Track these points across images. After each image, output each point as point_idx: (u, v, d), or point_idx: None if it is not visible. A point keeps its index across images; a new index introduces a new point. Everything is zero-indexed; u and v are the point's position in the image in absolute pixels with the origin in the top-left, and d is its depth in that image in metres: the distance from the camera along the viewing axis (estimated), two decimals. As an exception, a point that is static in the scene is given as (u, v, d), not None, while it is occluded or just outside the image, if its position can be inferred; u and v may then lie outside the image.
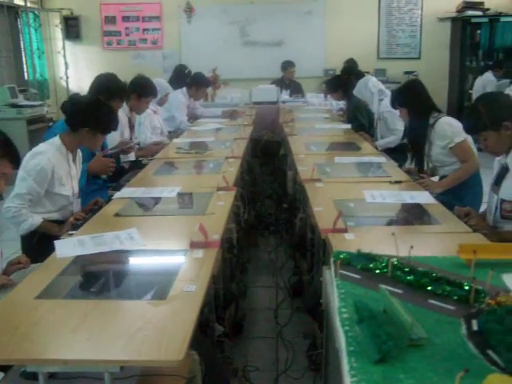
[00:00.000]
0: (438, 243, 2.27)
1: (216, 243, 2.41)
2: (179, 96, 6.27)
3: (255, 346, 3.49)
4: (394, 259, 1.27)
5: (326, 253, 2.46)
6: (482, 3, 10.48)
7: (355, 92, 5.63)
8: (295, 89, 8.79)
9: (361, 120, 5.77)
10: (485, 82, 9.19)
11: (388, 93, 5.13)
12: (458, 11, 10.58)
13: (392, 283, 1.18)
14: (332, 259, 1.41)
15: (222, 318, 2.74)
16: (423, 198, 3.01)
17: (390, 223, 2.75)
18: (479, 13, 10.45)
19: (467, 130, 3.01)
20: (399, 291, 1.15)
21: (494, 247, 1.19)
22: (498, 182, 2.80)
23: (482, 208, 3.30)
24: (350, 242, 2.32)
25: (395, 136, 4.99)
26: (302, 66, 9.68)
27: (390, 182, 3.37)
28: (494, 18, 10.44)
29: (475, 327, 1.05)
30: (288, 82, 8.91)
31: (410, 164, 4.12)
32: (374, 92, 5.19)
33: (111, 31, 10.69)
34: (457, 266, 1.28)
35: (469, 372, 0.97)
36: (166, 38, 10.70)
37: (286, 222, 5.02)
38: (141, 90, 4.65)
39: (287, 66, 8.93)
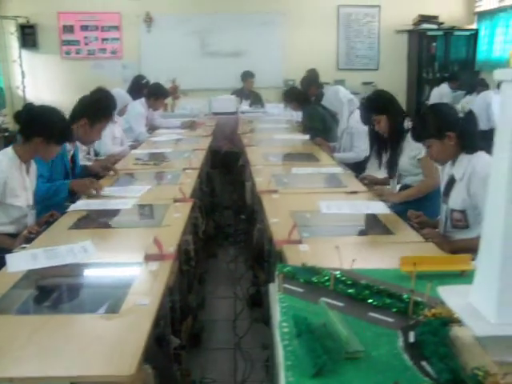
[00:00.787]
0: (391, 253, 2.31)
1: (171, 256, 2.40)
2: (138, 107, 6.24)
3: (213, 357, 3.48)
4: (337, 272, 1.29)
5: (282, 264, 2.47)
6: (436, 17, 10.73)
7: (324, 102, 5.63)
8: (255, 99, 8.83)
9: (316, 127, 5.79)
10: (441, 93, 9.37)
11: (357, 103, 5.18)
12: (414, 24, 10.80)
13: (334, 296, 1.19)
14: (276, 273, 1.42)
15: (178, 331, 2.73)
16: (378, 208, 3.06)
17: (344, 234, 2.79)
18: (434, 26, 10.70)
19: (414, 136, 3.08)
20: (340, 304, 1.16)
21: (434, 259, 1.22)
22: (446, 192, 2.88)
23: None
24: (304, 254, 2.34)
25: (355, 154, 5.06)
26: (262, 77, 9.72)
27: (346, 193, 3.42)
28: (449, 32, 10.71)
29: (412, 339, 1.08)
30: (248, 92, 8.95)
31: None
32: (345, 102, 5.23)
33: (69, 40, 10.55)
34: (400, 278, 1.30)
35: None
36: (125, 48, 10.62)
37: (244, 233, 5.03)
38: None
39: (247, 76, 8.97)
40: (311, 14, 10.63)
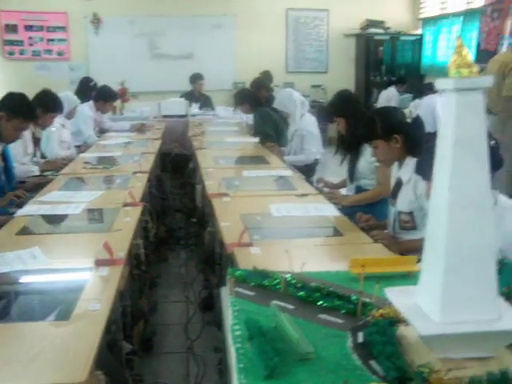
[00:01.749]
0: (341, 255, 2.36)
1: (121, 261, 2.38)
2: (86, 109, 6.16)
3: (166, 361, 3.47)
4: (288, 275, 1.31)
5: (233, 267, 2.49)
6: (383, 22, 10.97)
7: (276, 104, 5.67)
8: (205, 102, 8.80)
9: (267, 131, 5.83)
10: (388, 96, 9.55)
11: (308, 105, 5.22)
12: (361, 28, 11.01)
13: (285, 299, 1.21)
14: (228, 277, 1.44)
15: (130, 336, 2.71)
16: (328, 210, 3.11)
17: (295, 236, 2.82)
18: (381, 31, 10.93)
19: (362, 137, 3.15)
20: (291, 307, 1.18)
21: (382, 261, 1.26)
22: (394, 194, 2.95)
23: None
24: (255, 257, 2.37)
25: (305, 156, 5.12)
26: (212, 79, 9.72)
27: (297, 195, 3.46)
28: (395, 37, 10.95)
29: (361, 339, 1.11)
30: (198, 94, 8.91)
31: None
32: (298, 104, 5.27)
33: (12, 40, 10.28)
34: (349, 279, 1.34)
35: (350, 382, 1.02)
36: (72, 49, 10.43)
37: (195, 236, 5.02)
38: (46, 106, 4.53)
39: (196, 78, 8.93)
40: (261, 18, 10.70)
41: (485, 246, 1.08)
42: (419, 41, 10.99)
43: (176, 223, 5.86)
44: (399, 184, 2.91)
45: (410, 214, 2.84)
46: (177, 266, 4.93)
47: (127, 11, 10.33)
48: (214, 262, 3.50)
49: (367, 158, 3.77)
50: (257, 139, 5.66)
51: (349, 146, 3.91)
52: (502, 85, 5.46)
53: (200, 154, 4.97)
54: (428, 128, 8.09)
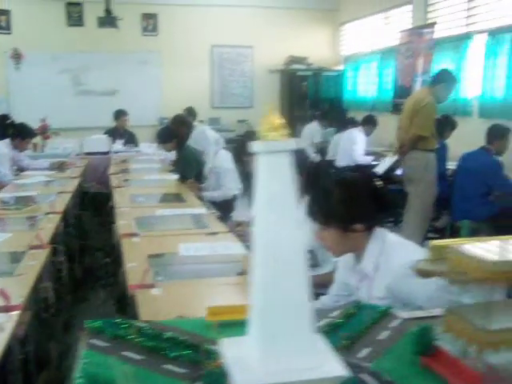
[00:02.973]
0: (241, 293, 2.39)
1: (19, 306, 2.34)
2: (1, 148, 6.05)
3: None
4: (144, 325, 1.33)
5: (136, 309, 2.48)
6: (306, 58, 11.29)
7: (191, 142, 5.73)
8: (129, 138, 8.77)
9: (187, 168, 5.86)
10: (312, 131, 9.76)
11: (222, 142, 5.29)
12: (285, 64, 11.29)
13: (136, 350, 1.23)
14: (84, 328, 1.44)
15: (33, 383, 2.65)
16: (236, 249, 3.15)
17: (200, 276, 2.83)
18: (304, 67, 11.24)
19: None
20: (139, 357, 1.20)
21: (239, 308, 1.30)
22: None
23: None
24: (156, 298, 2.38)
25: (222, 192, 5.19)
26: (138, 115, 9.72)
27: (207, 234, 3.49)
28: (318, 72, 11.29)
29: (197, 390, 1.14)
30: (122, 131, 8.87)
31: None
32: (212, 142, 5.35)
33: None
34: (208, 327, 1.37)
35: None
36: (-8, 85, 10.23)
37: (112, 276, 4.97)
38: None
39: (120, 114, 8.90)
40: (186, 54, 10.83)
41: (299, 299, 1.14)
42: (341, 76, 11.36)
43: (97, 262, 5.78)
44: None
45: (311, 251, 2.91)
46: (95, 305, 4.85)
47: (50, 47, 10.22)
48: (126, 302, 3.47)
49: None
50: (176, 176, 5.68)
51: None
52: (412, 123, 5.70)
53: (118, 193, 4.95)
54: (347, 161, 8.36)
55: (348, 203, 2.12)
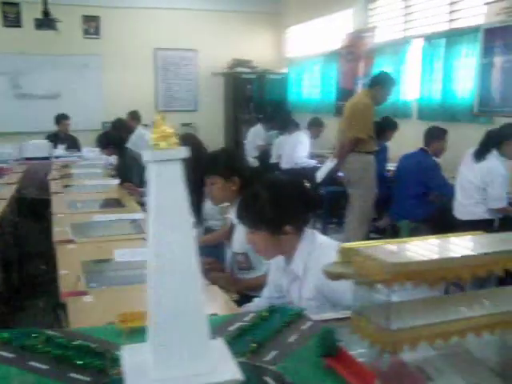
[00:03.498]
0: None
1: None
2: None
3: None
4: (53, 333, 1.31)
5: (66, 317, 2.44)
6: (250, 61, 11.33)
7: (130, 145, 5.66)
8: (71, 143, 8.61)
9: (128, 173, 5.81)
10: (256, 133, 9.81)
11: None
12: (229, 67, 11.30)
13: (43, 359, 1.21)
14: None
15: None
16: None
17: (133, 282, 2.80)
18: (248, 70, 11.28)
19: (202, 170, 3.21)
20: (45, 367, 1.18)
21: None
22: (229, 236, 3.03)
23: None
24: (88, 305, 2.35)
25: None
26: (80, 119, 9.57)
27: (143, 239, 3.45)
28: (262, 75, 11.34)
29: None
30: (64, 135, 8.71)
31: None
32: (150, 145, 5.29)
33: None
34: (119, 334, 1.36)
35: None
36: None
37: (51, 283, 4.87)
38: None
39: (61, 119, 8.74)
40: (129, 57, 10.72)
41: (192, 306, 1.15)
42: (285, 79, 11.44)
43: (36, 270, 5.65)
44: (232, 226, 3.00)
45: (244, 254, 2.92)
46: (32, 314, 4.74)
47: (-15, 49, 9.96)
48: (63, 310, 3.41)
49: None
50: (117, 181, 5.61)
51: (192, 189, 3.97)
52: (350, 125, 5.78)
53: (56, 199, 4.86)
54: (292, 164, 8.42)
55: (277, 206, 2.14)
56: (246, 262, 2.93)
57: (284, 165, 8.42)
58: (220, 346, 1.20)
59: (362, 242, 1.15)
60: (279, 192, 2.20)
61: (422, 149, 5.80)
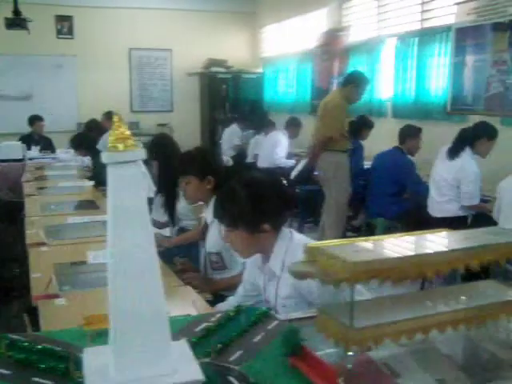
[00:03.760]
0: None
1: None
2: None
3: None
4: (17, 337, 1.30)
5: (37, 321, 2.42)
6: (225, 61, 11.31)
7: (99, 146, 5.64)
8: (46, 144, 8.53)
9: (104, 175, 5.77)
10: (232, 133, 9.79)
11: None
12: (204, 67, 11.28)
13: (4, 364, 1.20)
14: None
15: None
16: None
17: (107, 284, 2.78)
18: (223, 69, 11.27)
19: (177, 170, 3.21)
20: (7, 372, 1.17)
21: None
22: (203, 236, 3.03)
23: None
24: (60, 308, 2.33)
25: None
26: (55, 120, 9.51)
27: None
28: (237, 75, 11.34)
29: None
30: (37, 137, 8.62)
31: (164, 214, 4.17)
32: None
33: None
34: (85, 337, 1.35)
35: None
36: None
37: (23, 287, 4.82)
38: None
39: (35, 120, 8.64)
40: (103, 57, 10.64)
41: (152, 308, 1.15)
42: (261, 79, 11.45)
43: (10, 273, 5.59)
44: (206, 225, 3.00)
45: (218, 254, 2.92)
46: (6, 319, 4.68)
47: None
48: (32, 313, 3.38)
49: (183, 197, 3.86)
50: (92, 183, 5.58)
51: (165, 189, 3.98)
52: (323, 124, 5.81)
53: (30, 201, 4.81)
54: (269, 164, 8.43)
55: (254, 204, 2.13)
56: (219, 261, 2.93)
57: (261, 164, 8.43)
58: (182, 347, 1.20)
59: (328, 241, 1.15)
60: (257, 190, 2.18)
61: (396, 147, 5.84)
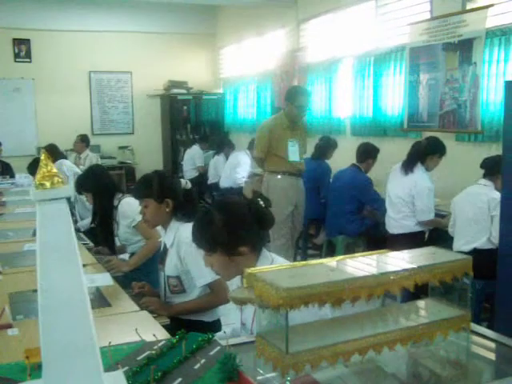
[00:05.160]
0: (104, 326, 2.36)
1: None
2: None
3: None
4: None
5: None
6: (186, 82, 11.35)
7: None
8: (4, 169, 8.43)
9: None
10: (193, 154, 9.82)
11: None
12: (165, 89, 11.29)
13: None
14: None
15: None
16: (103, 280, 3.09)
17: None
18: (184, 91, 11.30)
19: (135, 193, 3.21)
20: None
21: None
22: (161, 259, 3.03)
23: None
24: (12, 338, 2.30)
25: (87, 221, 5.19)
26: (13, 145, 9.39)
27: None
28: (198, 96, 11.38)
29: None
30: (-4, 162, 8.53)
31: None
32: (70, 175, 5.32)
33: None
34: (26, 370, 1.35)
35: None
36: None
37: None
38: None
39: (-8, 145, 8.56)
40: (62, 81, 10.58)
41: (82, 341, 1.16)
42: (221, 99, 11.51)
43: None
44: (165, 249, 3.00)
45: (178, 277, 2.92)
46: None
47: None
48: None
49: (123, 224, 3.90)
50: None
51: (101, 220, 4.04)
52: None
53: (-15, 228, 4.73)
54: (231, 184, 8.45)
55: (230, 227, 2.11)
56: (178, 285, 2.93)
57: (223, 184, 8.48)
58: (117, 378, 1.21)
59: (268, 267, 1.18)
60: (232, 213, 2.15)
61: (354, 165, 5.92)
